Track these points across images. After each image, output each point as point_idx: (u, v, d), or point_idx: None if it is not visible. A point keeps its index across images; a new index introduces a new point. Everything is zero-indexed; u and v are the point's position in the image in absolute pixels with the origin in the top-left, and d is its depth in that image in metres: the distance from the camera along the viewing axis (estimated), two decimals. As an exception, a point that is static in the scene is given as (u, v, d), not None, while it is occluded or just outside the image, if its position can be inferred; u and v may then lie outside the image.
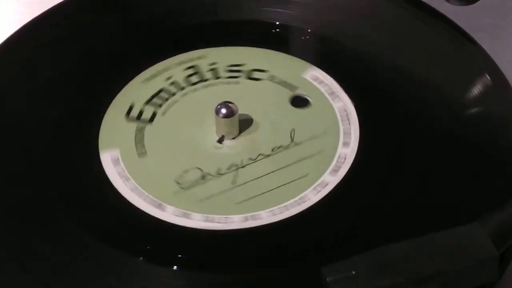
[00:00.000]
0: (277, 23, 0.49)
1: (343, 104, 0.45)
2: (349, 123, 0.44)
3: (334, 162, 0.42)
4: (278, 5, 0.50)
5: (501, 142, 0.42)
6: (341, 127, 0.43)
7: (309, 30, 0.49)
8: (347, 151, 0.42)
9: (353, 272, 0.33)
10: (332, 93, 0.45)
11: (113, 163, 0.42)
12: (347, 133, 0.43)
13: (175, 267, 0.37)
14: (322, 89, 0.45)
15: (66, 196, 0.41)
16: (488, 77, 0.44)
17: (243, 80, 0.46)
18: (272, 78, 0.46)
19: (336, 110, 0.44)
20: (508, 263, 0.37)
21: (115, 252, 0.38)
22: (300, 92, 0.45)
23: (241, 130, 0.44)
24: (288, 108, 0.45)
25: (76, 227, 0.39)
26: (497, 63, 0.45)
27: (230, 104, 0.43)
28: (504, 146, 0.41)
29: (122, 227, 0.40)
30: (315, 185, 0.41)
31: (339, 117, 0.44)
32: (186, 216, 0.40)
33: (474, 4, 0.50)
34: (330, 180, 0.41)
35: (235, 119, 0.43)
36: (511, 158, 0.41)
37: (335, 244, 0.38)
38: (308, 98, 0.45)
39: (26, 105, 0.45)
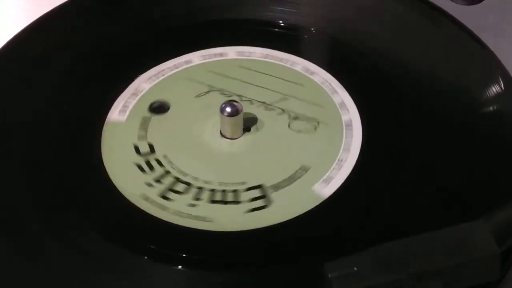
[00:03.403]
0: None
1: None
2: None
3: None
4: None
5: (505, 140, 0.42)
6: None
7: (312, 29, 0.49)
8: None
9: (355, 268, 0.33)
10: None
11: None
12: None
13: (177, 266, 0.37)
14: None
15: (70, 196, 0.41)
16: (493, 76, 0.44)
17: None
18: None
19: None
20: (512, 262, 0.37)
21: (119, 251, 0.38)
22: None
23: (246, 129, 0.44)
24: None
25: (81, 225, 0.39)
26: (501, 62, 0.45)
27: (234, 103, 0.43)
28: (508, 144, 0.41)
29: (126, 225, 0.40)
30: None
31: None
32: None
33: (479, 4, 0.50)
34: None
35: (240, 117, 0.43)
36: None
37: (338, 241, 0.38)
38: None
39: (27, 104, 0.45)
